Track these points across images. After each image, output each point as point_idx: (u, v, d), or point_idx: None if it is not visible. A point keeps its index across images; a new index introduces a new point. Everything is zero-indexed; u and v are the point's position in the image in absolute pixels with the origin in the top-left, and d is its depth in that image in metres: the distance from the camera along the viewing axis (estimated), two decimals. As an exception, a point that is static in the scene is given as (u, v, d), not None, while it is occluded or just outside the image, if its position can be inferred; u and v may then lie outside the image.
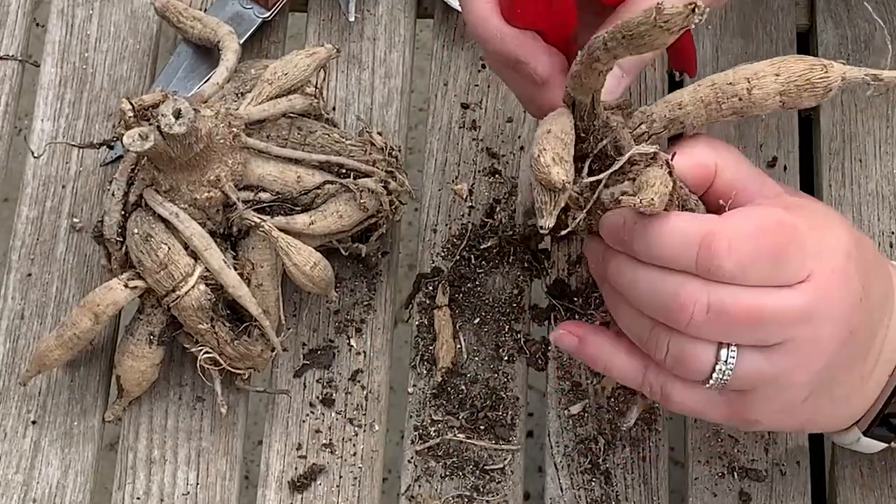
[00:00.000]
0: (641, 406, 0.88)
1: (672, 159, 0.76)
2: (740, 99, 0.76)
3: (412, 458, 0.94)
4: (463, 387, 0.96)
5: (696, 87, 0.78)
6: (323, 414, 0.95)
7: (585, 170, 0.78)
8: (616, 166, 0.75)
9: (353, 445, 0.95)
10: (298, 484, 0.93)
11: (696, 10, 0.67)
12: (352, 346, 0.97)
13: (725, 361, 0.76)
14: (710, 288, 0.74)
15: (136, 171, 0.90)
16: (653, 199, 0.73)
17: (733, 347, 0.76)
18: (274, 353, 0.92)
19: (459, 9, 1.04)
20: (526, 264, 0.99)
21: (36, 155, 1.02)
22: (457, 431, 0.94)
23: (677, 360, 0.77)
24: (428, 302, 0.98)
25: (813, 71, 0.77)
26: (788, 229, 0.74)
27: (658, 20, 0.68)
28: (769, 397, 0.78)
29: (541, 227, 0.73)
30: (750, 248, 0.74)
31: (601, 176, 0.76)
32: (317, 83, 0.94)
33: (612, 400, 0.95)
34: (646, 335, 0.78)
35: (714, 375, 0.76)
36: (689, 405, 0.80)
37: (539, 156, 0.72)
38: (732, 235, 0.74)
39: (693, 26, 0.67)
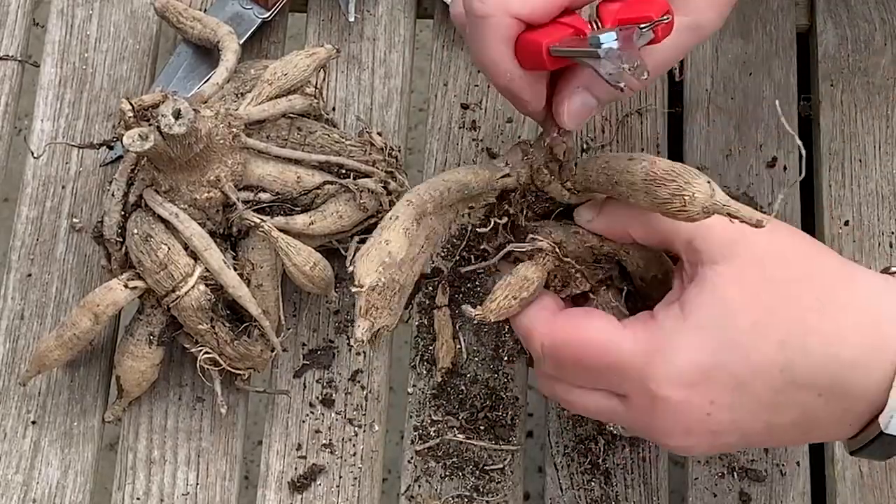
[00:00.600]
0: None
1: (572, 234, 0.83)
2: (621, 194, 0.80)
3: (412, 458, 0.94)
4: (463, 387, 0.96)
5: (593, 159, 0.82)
6: (323, 414, 0.95)
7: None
8: (484, 264, 0.87)
9: (353, 445, 0.95)
10: (298, 484, 0.93)
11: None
12: (352, 346, 0.97)
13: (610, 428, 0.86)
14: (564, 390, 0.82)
15: (136, 172, 0.90)
16: (486, 314, 0.81)
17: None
18: (274, 354, 0.92)
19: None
20: (526, 264, 0.99)
21: (36, 155, 1.02)
22: (457, 432, 0.94)
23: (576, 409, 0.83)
24: (428, 302, 0.98)
25: (673, 203, 0.76)
26: (602, 355, 0.77)
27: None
28: (673, 444, 0.80)
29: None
30: (559, 360, 0.80)
31: (471, 267, 0.91)
32: (317, 83, 0.94)
33: None
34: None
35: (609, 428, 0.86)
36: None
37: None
38: (550, 342, 0.79)
39: None
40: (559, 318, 0.80)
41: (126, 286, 0.89)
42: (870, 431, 0.76)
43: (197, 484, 0.94)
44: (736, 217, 0.74)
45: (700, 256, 0.76)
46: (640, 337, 0.76)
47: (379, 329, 0.77)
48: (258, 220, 0.88)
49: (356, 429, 0.95)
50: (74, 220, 1.00)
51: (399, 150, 1.00)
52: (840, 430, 0.78)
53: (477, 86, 1.05)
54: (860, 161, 1.01)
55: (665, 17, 0.77)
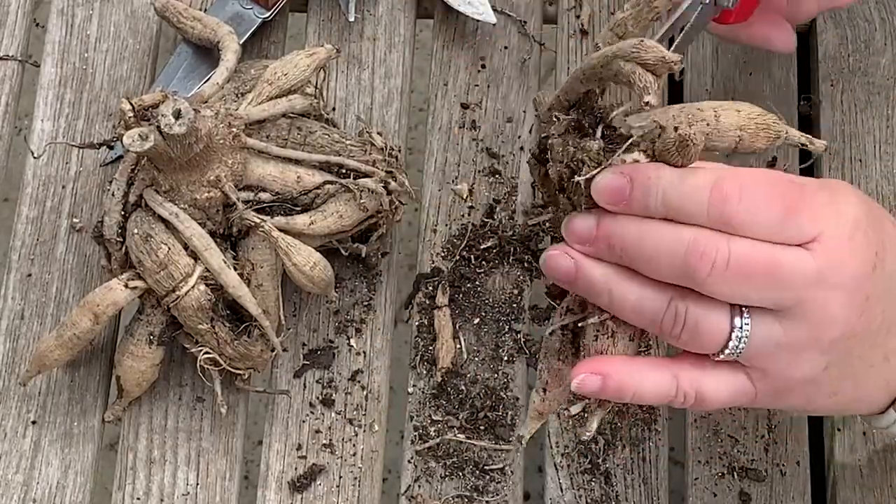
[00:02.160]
0: (600, 415, 0.86)
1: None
2: (708, 124, 0.77)
3: (412, 458, 0.94)
4: (463, 387, 0.96)
5: (665, 109, 0.78)
6: (323, 414, 0.95)
7: (599, 132, 0.78)
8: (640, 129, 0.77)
9: (353, 445, 0.95)
10: (298, 484, 0.93)
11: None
12: (352, 346, 0.97)
13: (741, 328, 0.75)
14: (727, 238, 0.74)
15: (136, 172, 0.90)
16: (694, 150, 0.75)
17: (747, 316, 0.75)
18: (274, 354, 0.92)
19: (459, 9, 1.04)
20: (526, 264, 0.99)
21: (36, 155, 1.02)
22: (457, 431, 0.94)
23: (694, 330, 0.76)
24: (428, 302, 0.98)
25: (767, 115, 0.78)
26: (798, 187, 0.75)
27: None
28: (788, 369, 0.77)
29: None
30: (761, 195, 0.74)
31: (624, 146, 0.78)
32: (317, 83, 0.94)
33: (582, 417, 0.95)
34: (659, 308, 0.76)
35: (731, 343, 0.75)
36: (722, 396, 0.78)
37: (642, 41, 0.75)
38: (744, 182, 0.74)
39: None
40: (741, 168, 0.77)
41: (126, 286, 0.89)
42: None
43: (197, 484, 0.94)
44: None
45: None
46: (820, 183, 0.77)
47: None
48: (258, 220, 0.88)
49: (356, 429, 0.95)
50: (74, 220, 1.00)
51: (399, 150, 1.00)
52: None
53: (477, 86, 1.05)
54: (860, 161, 1.01)
55: None
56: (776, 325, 0.75)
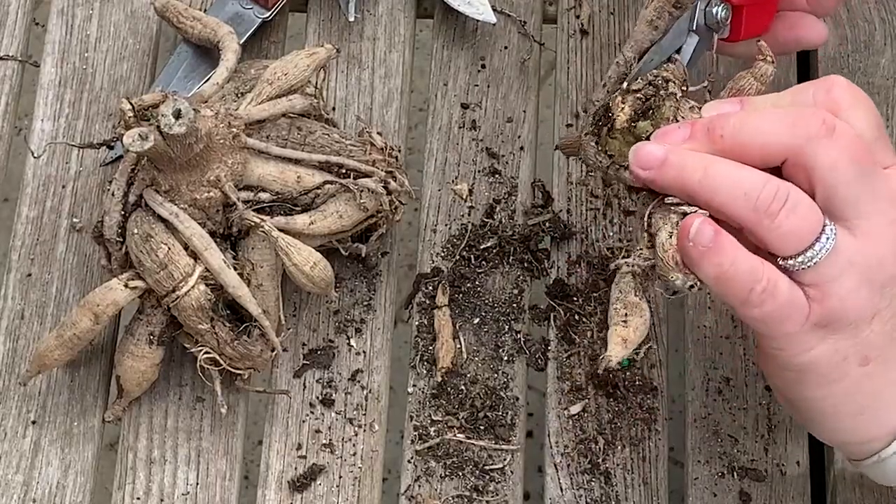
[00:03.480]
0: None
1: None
2: None
3: (412, 458, 0.94)
4: (463, 387, 0.96)
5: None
6: (323, 414, 0.95)
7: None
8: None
9: (353, 445, 0.95)
10: (298, 484, 0.93)
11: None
12: (352, 346, 0.97)
13: (831, 230, 0.76)
14: (830, 115, 0.77)
15: (136, 171, 0.90)
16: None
17: (832, 226, 0.76)
18: (274, 354, 0.92)
19: (459, 9, 1.04)
20: (526, 264, 0.99)
21: (36, 155, 1.02)
22: (457, 431, 0.94)
23: (793, 210, 0.76)
24: (428, 302, 0.98)
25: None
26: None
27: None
28: (847, 299, 0.77)
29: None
30: (862, 100, 0.78)
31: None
32: (317, 83, 0.94)
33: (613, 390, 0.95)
34: (758, 181, 0.76)
35: (820, 241, 0.76)
36: (784, 303, 0.77)
37: None
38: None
39: None
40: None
41: (126, 286, 0.89)
42: None
43: (197, 484, 0.94)
44: None
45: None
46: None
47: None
48: (258, 220, 0.88)
49: (356, 429, 0.95)
50: (74, 219, 1.00)
51: (399, 150, 1.00)
52: None
53: (477, 86, 1.05)
54: (860, 161, 1.01)
55: None
56: (853, 240, 0.76)
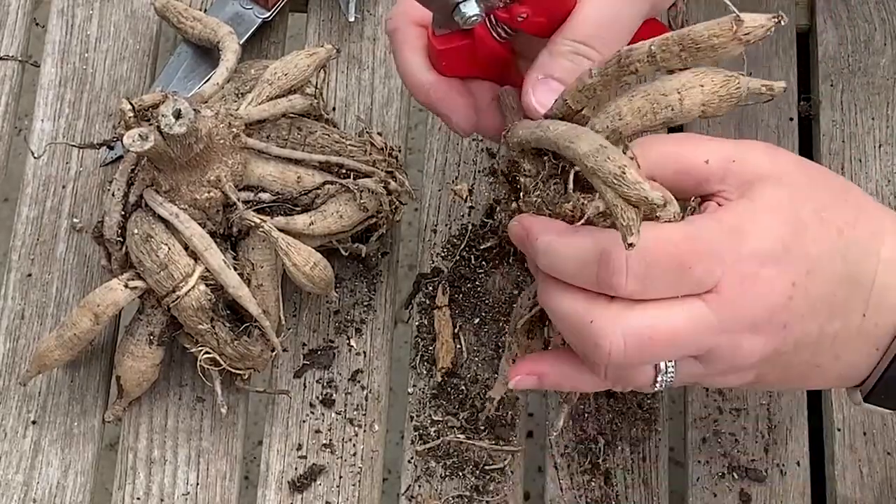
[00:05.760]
0: (568, 410, 0.87)
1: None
2: (673, 109, 0.75)
3: (412, 458, 0.94)
4: (463, 387, 0.96)
5: (630, 97, 0.76)
6: (323, 414, 0.95)
7: (571, 181, 0.77)
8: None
9: (353, 445, 0.95)
10: (298, 484, 0.93)
11: (781, 21, 0.68)
12: (352, 346, 0.97)
13: (665, 372, 0.77)
14: (619, 319, 0.73)
15: (136, 172, 0.90)
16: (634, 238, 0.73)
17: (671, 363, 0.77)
18: (274, 354, 0.92)
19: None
20: (526, 264, 0.99)
21: (36, 155, 1.02)
22: (457, 432, 0.94)
23: (619, 382, 0.78)
24: (428, 302, 0.98)
25: (729, 83, 0.75)
26: (691, 245, 0.73)
27: (738, 33, 0.68)
28: (719, 382, 0.79)
29: (630, 245, 0.71)
30: (649, 263, 0.73)
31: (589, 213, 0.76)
32: (317, 83, 0.94)
33: (590, 401, 0.95)
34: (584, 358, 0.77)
35: (658, 384, 0.77)
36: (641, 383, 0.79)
37: (624, 174, 0.71)
38: (641, 254, 0.72)
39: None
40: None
41: (126, 286, 0.89)
42: (885, 360, 0.77)
43: (197, 484, 0.94)
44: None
45: (743, 174, 0.76)
46: (723, 218, 0.74)
47: None
48: (258, 221, 0.88)
49: (356, 429, 0.95)
50: (75, 220, 1.00)
51: (399, 150, 1.00)
52: (865, 356, 0.78)
53: (477, 86, 1.05)
54: (860, 161, 1.01)
55: None
56: (697, 365, 0.76)
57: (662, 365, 0.76)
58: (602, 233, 0.74)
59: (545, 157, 0.79)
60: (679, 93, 0.75)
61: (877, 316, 0.77)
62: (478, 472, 0.94)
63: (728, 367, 0.76)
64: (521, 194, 0.80)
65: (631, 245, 0.71)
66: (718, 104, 0.75)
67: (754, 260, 0.74)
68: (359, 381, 0.96)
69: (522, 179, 0.80)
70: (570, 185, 0.78)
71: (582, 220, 0.75)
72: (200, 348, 0.90)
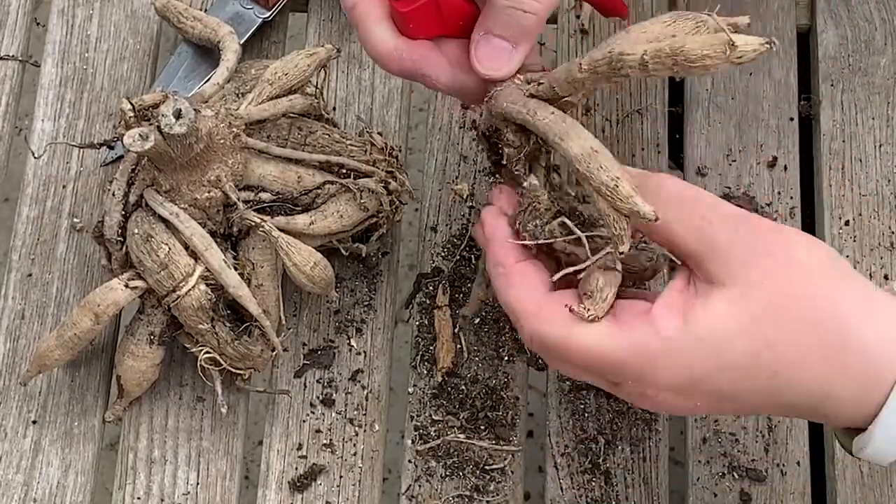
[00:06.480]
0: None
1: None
2: (638, 71, 0.74)
3: (412, 458, 0.94)
4: (463, 387, 0.96)
5: (592, 59, 0.75)
6: (323, 414, 0.95)
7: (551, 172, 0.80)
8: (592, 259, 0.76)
9: (354, 445, 0.95)
10: (299, 484, 0.93)
11: (773, 45, 0.69)
12: (352, 346, 0.97)
13: None
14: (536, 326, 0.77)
15: (136, 172, 0.90)
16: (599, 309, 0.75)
17: None
18: (274, 353, 0.92)
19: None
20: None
21: (36, 155, 1.02)
22: (457, 431, 0.94)
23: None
24: (428, 302, 0.98)
25: (714, 55, 0.72)
26: (600, 359, 0.75)
27: (731, 56, 0.69)
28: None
29: (621, 253, 0.73)
30: (554, 356, 0.77)
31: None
32: (317, 83, 0.94)
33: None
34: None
35: None
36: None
37: (617, 186, 0.72)
38: (539, 341, 0.76)
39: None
40: (545, 317, 0.76)
41: (127, 286, 0.89)
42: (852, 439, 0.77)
43: (197, 484, 0.94)
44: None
45: (712, 274, 0.74)
46: (636, 343, 0.74)
47: None
48: (259, 220, 0.88)
49: (356, 429, 0.95)
50: (75, 219, 1.01)
51: (399, 150, 1.00)
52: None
53: (477, 86, 1.05)
54: (860, 161, 1.01)
55: None
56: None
57: None
58: (515, 291, 0.77)
59: (531, 135, 0.79)
60: (643, 58, 0.73)
61: (825, 418, 0.77)
62: (478, 471, 0.94)
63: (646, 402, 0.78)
64: (503, 162, 0.81)
65: (622, 253, 0.72)
66: (689, 71, 0.74)
67: (658, 389, 0.75)
68: (359, 381, 0.96)
69: (506, 149, 0.80)
70: (552, 176, 0.78)
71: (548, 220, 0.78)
72: (201, 348, 0.90)
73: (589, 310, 0.74)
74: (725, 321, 0.74)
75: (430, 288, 0.98)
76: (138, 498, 0.93)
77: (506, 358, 0.96)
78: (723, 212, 0.75)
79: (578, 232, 0.76)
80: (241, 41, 0.99)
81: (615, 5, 0.97)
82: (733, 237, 0.74)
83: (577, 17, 1.07)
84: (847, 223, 0.99)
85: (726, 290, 0.74)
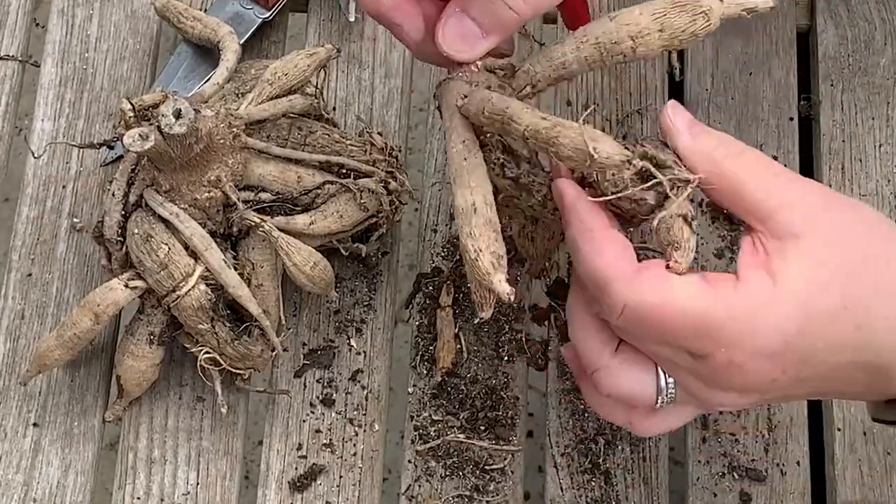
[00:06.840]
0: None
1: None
2: (625, 56, 0.74)
3: (412, 458, 0.94)
4: (463, 387, 0.96)
5: (578, 44, 0.75)
6: (323, 414, 0.95)
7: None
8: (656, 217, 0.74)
9: (353, 445, 0.95)
10: (298, 484, 0.93)
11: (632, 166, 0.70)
12: (352, 346, 0.97)
13: (666, 390, 0.77)
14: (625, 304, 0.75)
15: (136, 172, 0.90)
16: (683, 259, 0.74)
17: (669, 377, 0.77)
18: (274, 353, 0.92)
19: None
20: (525, 264, 0.99)
21: (36, 155, 1.02)
22: (457, 431, 0.94)
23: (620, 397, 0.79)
24: (428, 302, 0.98)
25: (696, 23, 0.73)
26: (700, 322, 0.73)
27: (592, 166, 0.70)
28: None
29: (481, 318, 0.75)
30: (649, 322, 0.74)
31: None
32: (317, 83, 0.94)
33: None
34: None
35: (659, 402, 0.78)
36: (662, 428, 0.81)
37: (477, 260, 0.73)
38: (635, 306, 0.74)
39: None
40: (643, 280, 0.74)
41: (126, 286, 0.89)
42: None
43: (197, 484, 0.94)
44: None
45: (783, 226, 0.74)
46: (733, 304, 0.73)
47: None
48: (259, 220, 0.88)
49: (356, 428, 0.95)
50: (75, 219, 1.01)
51: (399, 150, 1.00)
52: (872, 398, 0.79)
53: (477, 86, 1.05)
54: (860, 161, 1.01)
55: None
56: (694, 379, 0.77)
57: (662, 382, 0.77)
58: (606, 260, 0.75)
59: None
60: (633, 40, 0.74)
61: (888, 386, 0.77)
62: (478, 471, 0.94)
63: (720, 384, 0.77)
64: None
65: (482, 318, 0.77)
66: (679, 44, 0.74)
67: (751, 354, 0.74)
68: (359, 381, 0.96)
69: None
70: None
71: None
72: (200, 348, 0.90)
73: (680, 262, 0.73)
74: (812, 269, 0.74)
75: (430, 288, 0.98)
76: (138, 498, 0.93)
77: (506, 358, 0.96)
78: (793, 174, 0.76)
79: (660, 175, 0.72)
80: (241, 41, 0.99)
81: (579, 16, 0.96)
82: (805, 189, 0.75)
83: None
84: (847, 223, 0.99)
85: (802, 241, 0.74)
